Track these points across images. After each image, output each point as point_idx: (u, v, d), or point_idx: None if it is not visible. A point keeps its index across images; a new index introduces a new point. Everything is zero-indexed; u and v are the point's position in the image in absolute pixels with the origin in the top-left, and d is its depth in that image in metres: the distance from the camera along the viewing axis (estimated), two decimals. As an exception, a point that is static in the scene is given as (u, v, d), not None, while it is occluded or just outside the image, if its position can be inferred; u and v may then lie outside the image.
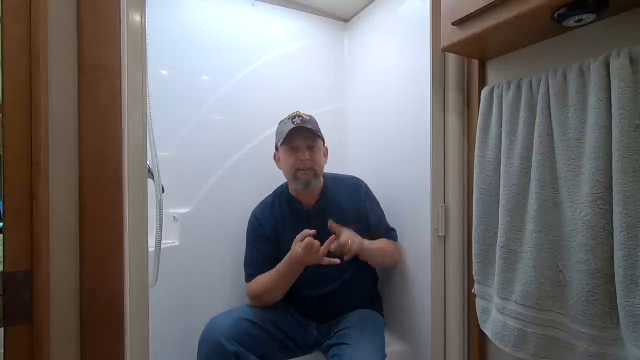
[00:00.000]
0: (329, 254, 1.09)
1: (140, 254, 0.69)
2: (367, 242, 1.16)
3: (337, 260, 1.09)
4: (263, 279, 1.18)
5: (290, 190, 1.29)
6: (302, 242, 1.08)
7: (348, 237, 1.10)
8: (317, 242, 1.07)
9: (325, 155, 1.31)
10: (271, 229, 1.25)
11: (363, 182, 1.35)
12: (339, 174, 1.37)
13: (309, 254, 1.07)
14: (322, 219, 1.24)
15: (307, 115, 1.26)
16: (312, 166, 1.21)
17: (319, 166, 1.25)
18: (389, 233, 1.30)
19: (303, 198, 1.27)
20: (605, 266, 0.69)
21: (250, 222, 1.29)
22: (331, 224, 1.12)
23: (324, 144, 1.29)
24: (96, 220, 0.64)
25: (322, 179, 1.29)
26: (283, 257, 1.22)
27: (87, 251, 0.63)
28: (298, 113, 1.26)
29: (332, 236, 1.09)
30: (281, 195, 1.31)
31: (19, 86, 0.58)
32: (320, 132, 1.26)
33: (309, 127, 1.20)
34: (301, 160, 1.20)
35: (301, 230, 1.23)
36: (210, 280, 1.39)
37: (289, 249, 1.20)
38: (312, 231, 1.10)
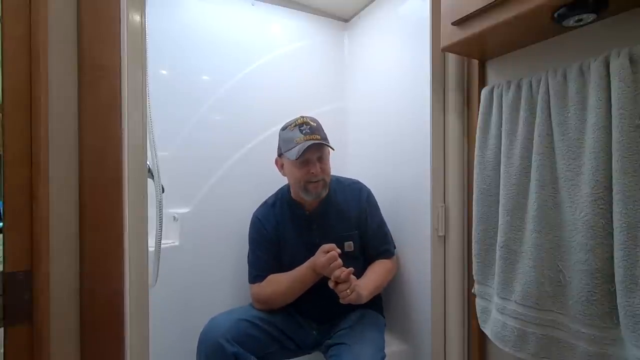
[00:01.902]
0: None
1: (140, 254, 0.69)
2: (363, 288, 1.10)
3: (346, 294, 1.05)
4: (278, 283, 1.17)
5: (293, 194, 1.27)
6: (327, 253, 1.08)
7: (347, 287, 1.05)
8: (340, 261, 1.06)
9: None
10: (273, 230, 1.25)
11: (365, 187, 1.32)
12: (342, 178, 1.35)
13: (326, 265, 1.06)
14: (323, 223, 1.25)
15: (313, 121, 1.22)
16: (323, 177, 1.19)
17: (329, 175, 1.23)
18: (387, 246, 1.27)
19: (305, 202, 1.25)
20: (605, 266, 0.69)
21: (253, 224, 1.28)
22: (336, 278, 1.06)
23: None
24: (96, 220, 0.64)
25: None
26: (284, 259, 1.22)
27: (87, 251, 0.63)
28: (304, 120, 1.20)
29: (350, 268, 1.07)
30: (282, 198, 1.30)
31: (19, 86, 0.58)
32: (327, 139, 1.23)
33: (320, 139, 1.17)
34: (312, 173, 1.16)
35: (302, 234, 1.23)
36: (210, 280, 1.39)
37: (290, 251, 1.19)
38: (339, 251, 1.09)
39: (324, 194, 1.22)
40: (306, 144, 1.13)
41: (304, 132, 1.17)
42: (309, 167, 1.17)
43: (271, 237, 1.24)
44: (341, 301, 1.05)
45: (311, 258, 1.12)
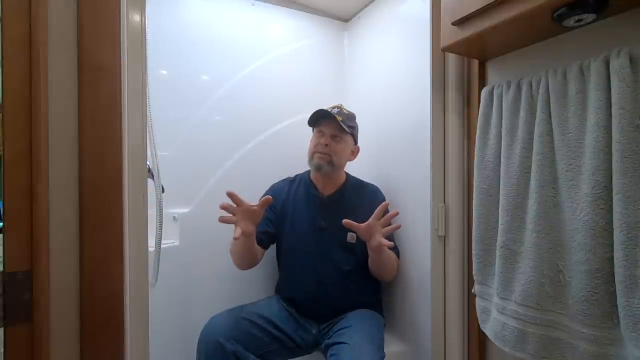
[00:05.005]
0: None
1: (140, 254, 0.69)
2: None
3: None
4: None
5: (311, 176, 1.33)
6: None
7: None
8: (230, 216, 1.07)
9: (354, 154, 1.36)
10: (280, 204, 1.29)
11: (381, 192, 1.36)
12: (363, 180, 1.40)
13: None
14: (334, 209, 1.27)
15: (346, 110, 1.31)
16: (329, 152, 1.25)
17: (338, 157, 1.27)
18: (395, 246, 1.28)
19: (321, 186, 1.31)
20: (605, 266, 0.69)
21: (266, 192, 1.33)
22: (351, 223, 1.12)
23: (355, 143, 1.34)
24: (96, 220, 0.64)
25: (342, 172, 1.34)
26: (290, 236, 1.26)
27: (87, 251, 0.63)
28: (339, 105, 1.31)
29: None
30: (302, 177, 1.36)
31: (19, 86, 0.58)
32: (351, 128, 1.29)
33: (341, 120, 1.24)
34: (321, 144, 1.25)
35: (311, 214, 1.28)
36: (209, 280, 1.39)
37: (297, 228, 1.23)
38: (269, 197, 1.10)
39: (327, 170, 1.26)
40: (319, 112, 1.25)
41: (332, 110, 1.27)
42: (320, 138, 1.26)
43: (275, 208, 1.28)
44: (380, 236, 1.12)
45: None
